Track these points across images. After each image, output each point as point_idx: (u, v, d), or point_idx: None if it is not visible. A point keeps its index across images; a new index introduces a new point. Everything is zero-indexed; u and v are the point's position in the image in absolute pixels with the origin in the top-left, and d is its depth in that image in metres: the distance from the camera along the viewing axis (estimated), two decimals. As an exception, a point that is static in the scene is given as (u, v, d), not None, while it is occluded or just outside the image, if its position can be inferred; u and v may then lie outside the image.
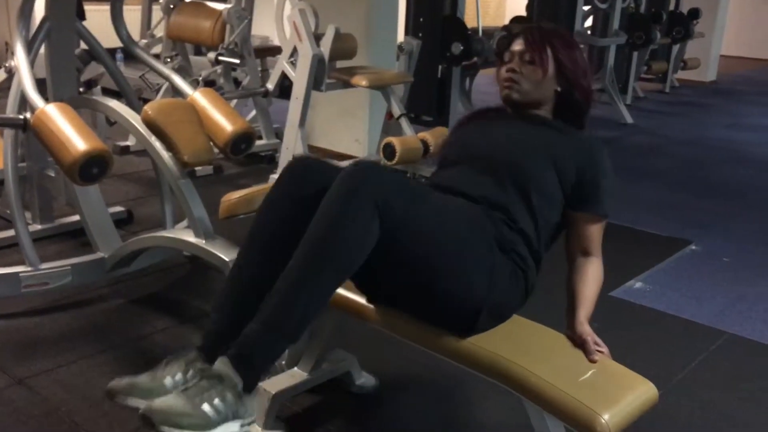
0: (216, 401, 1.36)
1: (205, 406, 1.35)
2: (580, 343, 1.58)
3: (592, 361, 1.53)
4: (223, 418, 1.36)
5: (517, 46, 1.76)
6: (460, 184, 1.67)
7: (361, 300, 1.72)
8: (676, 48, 7.72)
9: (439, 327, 1.59)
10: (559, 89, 1.75)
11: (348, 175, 1.45)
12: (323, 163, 1.61)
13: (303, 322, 1.45)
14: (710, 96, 7.87)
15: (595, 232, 1.71)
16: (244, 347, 1.42)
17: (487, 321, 1.57)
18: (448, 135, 1.94)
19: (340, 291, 1.71)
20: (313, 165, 1.59)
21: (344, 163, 1.66)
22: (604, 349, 1.57)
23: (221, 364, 1.42)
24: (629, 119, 6.21)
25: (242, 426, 1.40)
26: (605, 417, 1.36)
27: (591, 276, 1.69)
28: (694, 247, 3.44)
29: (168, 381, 1.49)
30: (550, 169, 1.66)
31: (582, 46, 6.43)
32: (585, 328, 1.60)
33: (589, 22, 6.68)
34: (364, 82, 3.66)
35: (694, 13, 7.53)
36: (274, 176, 3.78)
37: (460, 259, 1.53)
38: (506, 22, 6.97)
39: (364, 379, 2.13)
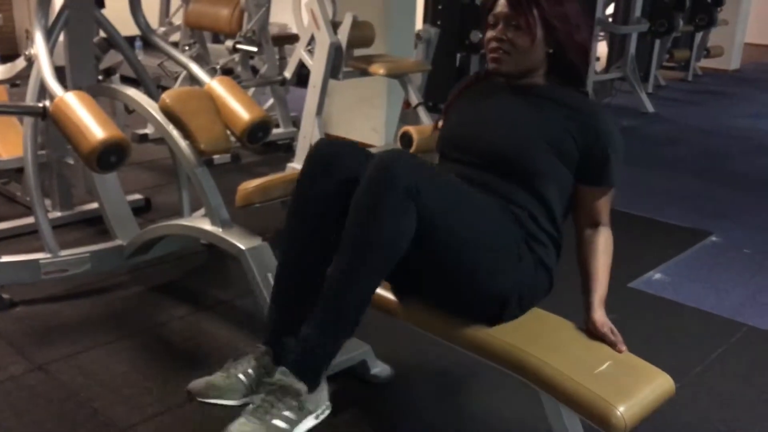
0: (286, 413, 1.40)
1: (277, 422, 1.39)
2: (595, 331, 1.56)
3: (620, 352, 1.52)
4: (296, 424, 1.41)
5: (501, 8, 1.61)
6: (465, 180, 1.64)
7: (378, 290, 1.71)
8: (699, 36, 7.60)
9: (465, 316, 1.59)
10: (551, 51, 1.63)
11: (379, 166, 1.43)
12: (350, 147, 1.59)
13: (357, 318, 1.48)
14: (733, 85, 7.75)
15: (603, 203, 1.65)
16: (304, 354, 1.46)
17: (515, 310, 1.56)
18: (440, 117, 1.84)
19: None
20: (340, 151, 1.58)
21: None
22: (620, 339, 1.56)
23: (282, 375, 1.44)
24: (650, 108, 6.14)
25: (317, 417, 1.45)
26: (621, 409, 1.35)
27: (601, 248, 1.64)
28: (714, 239, 3.40)
29: (242, 377, 1.56)
30: (552, 156, 1.59)
31: (602, 33, 6.42)
32: (599, 317, 1.57)
33: (610, 9, 6.60)
34: (381, 71, 3.64)
35: (718, 0, 7.40)
36: (292, 164, 3.78)
37: (490, 249, 1.51)
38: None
39: (379, 369, 2.13)
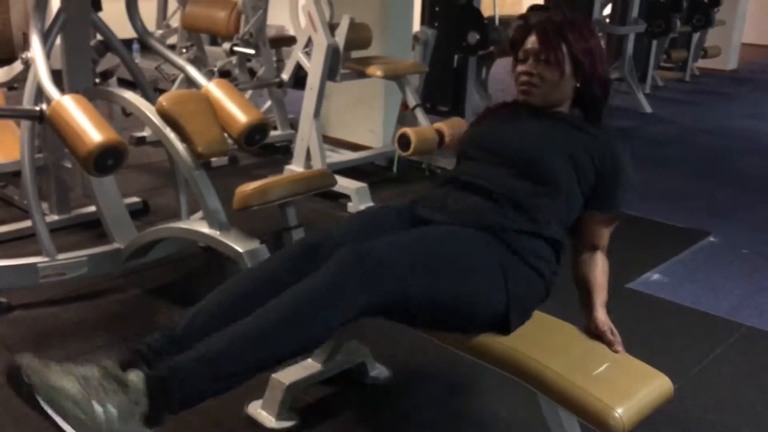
0: (110, 408, 1.20)
1: (96, 406, 1.19)
2: (597, 332, 1.57)
3: (616, 352, 1.53)
4: (108, 430, 1.20)
5: (531, 44, 1.70)
6: (478, 179, 1.66)
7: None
8: (696, 36, 7.61)
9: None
10: (578, 85, 1.71)
11: (345, 260, 1.39)
12: (323, 237, 1.57)
13: (243, 378, 1.34)
14: (731, 85, 7.75)
15: (605, 231, 1.72)
16: (173, 372, 1.29)
17: (517, 320, 1.57)
18: (466, 131, 1.92)
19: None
20: (310, 241, 1.56)
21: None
22: (618, 340, 1.56)
23: (135, 377, 1.27)
24: (648, 108, 6.14)
25: None
26: (619, 411, 1.35)
27: (600, 266, 1.69)
28: (712, 239, 3.40)
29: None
30: (570, 168, 1.64)
31: (600, 34, 6.43)
32: (602, 316, 1.59)
33: (607, 10, 6.60)
34: (379, 73, 3.64)
35: (715, 1, 7.40)
36: (290, 167, 3.78)
37: (473, 285, 1.51)
38: (524, 10, 6.91)
39: (378, 371, 2.13)
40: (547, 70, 1.68)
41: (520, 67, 1.72)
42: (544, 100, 1.72)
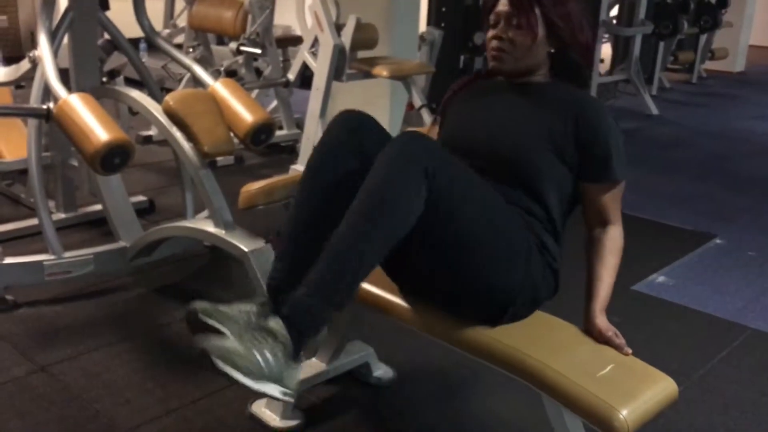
0: (267, 354, 1.37)
1: (257, 355, 1.36)
2: (603, 339, 1.55)
3: (626, 355, 1.52)
4: (269, 374, 1.37)
5: (502, 6, 1.61)
6: None
7: (380, 292, 1.72)
8: (703, 38, 7.60)
9: (468, 313, 1.58)
10: (552, 50, 1.64)
11: (401, 141, 1.44)
12: (376, 123, 1.61)
13: (350, 290, 1.44)
14: (738, 87, 7.73)
15: (609, 200, 1.62)
16: (293, 312, 1.41)
17: (520, 309, 1.55)
18: (440, 109, 1.84)
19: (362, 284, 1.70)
20: (367, 123, 1.59)
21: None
22: (624, 342, 1.55)
23: (275, 324, 1.41)
24: (654, 110, 6.13)
25: (284, 394, 1.40)
26: (623, 413, 1.35)
27: (608, 249, 1.62)
28: (718, 241, 3.39)
29: (243, 314, 1.48)
30: (550, 152, 1.58)
31: (607, 35, 6.41)
32: (602, 323, 1.56)
33: (615, 11, 6.59)
34: (385, 73, 3.64)
35: (723, 3, 7.39)
36: (295, 167, 3.78)
37: (500, 243, 1.50)
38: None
39: (382, 371, 2.13)
40: (519, 34, 1.60)
41: (491, 32, 1.64)
42: (516, 66, 1.64)
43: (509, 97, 1.68)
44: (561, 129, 1.59)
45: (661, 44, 6.79)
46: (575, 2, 1.62)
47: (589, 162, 1.60)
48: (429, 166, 1.40)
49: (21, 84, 3.02)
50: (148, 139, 4.48)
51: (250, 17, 4.19)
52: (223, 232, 2.36)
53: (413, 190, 1.40)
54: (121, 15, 2.86)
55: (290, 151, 4.47)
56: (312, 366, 1.99)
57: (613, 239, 1.63)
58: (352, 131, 1.57)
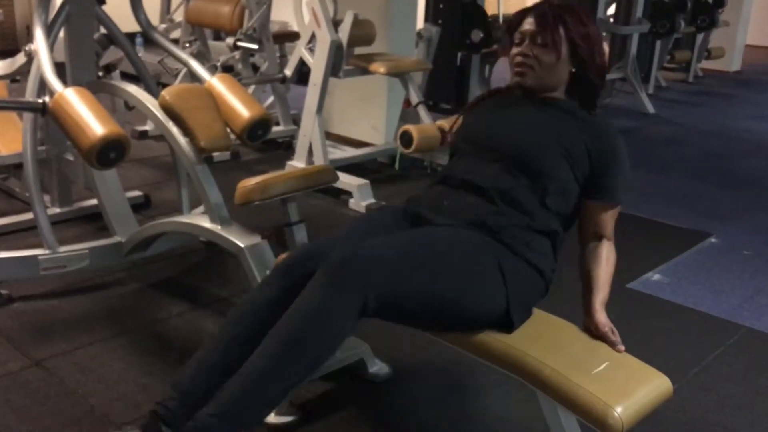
0: None
1: None
2: (597, 333, 1.56)
3: (619, 351, 1.53)
4: None
5: (528, 26, 1.68)
6: (472, 177, 1.65)
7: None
8: (700, 37, 7.60)
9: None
10: (573, 70, 1.70)
11: (331, 272, 1.41)
12: (308, 251, 1.58)
13: (259, 418, 1.43)
14: (734, 86, 7.75)
15: (608, 218, 1.69)
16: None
17: (519, 317, 1.57)
18: (459, 118, 1.88)
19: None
20: (297, 259, 1.56)
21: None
22: (619, 340, 1.55)
23: None
24: (651, 109, 6.13)
25: None
26: (618, 410, 1.35)
27: (604, 258, 1.66)
28: (714, 240, 3.40)
29: None
30: (563, 160, 1.63)
31: (604, 34, 6.41)
32: (601, 317, 1.58)
33: (611, 10, 6.59)
34: (382, 69, 3.64)
35: (719, 2, 7.39)
36: (291, 162, 3.78)
37: (470, 287, 1.51)
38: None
39: (377, 367, 2.13)
40: (544, 52, 1.66)
41: (516, 49, 1.70)
42: (539, 83, 1.69)
43: (528, 108, 1.73)
44: (577, 144, 1.64)
45: (658, 43, 6.79)
46: (594, 25, 1.70)
47: (598, 183, 1.66)
48: (365, 294, 1.38)
49: (16, 78, 3.01)
50: (144, 134, 4.46)
51: (247, 12, 4.18)
52: (219, 227, 2.35)
53: (338, 326, 1.39)
54: (117, 9, 2.85)
55: (287, 147, 4.46)
56: (307, 362, 1.99)
57: (609, 251, 1.69)
58: (287, 290, 1.50)
